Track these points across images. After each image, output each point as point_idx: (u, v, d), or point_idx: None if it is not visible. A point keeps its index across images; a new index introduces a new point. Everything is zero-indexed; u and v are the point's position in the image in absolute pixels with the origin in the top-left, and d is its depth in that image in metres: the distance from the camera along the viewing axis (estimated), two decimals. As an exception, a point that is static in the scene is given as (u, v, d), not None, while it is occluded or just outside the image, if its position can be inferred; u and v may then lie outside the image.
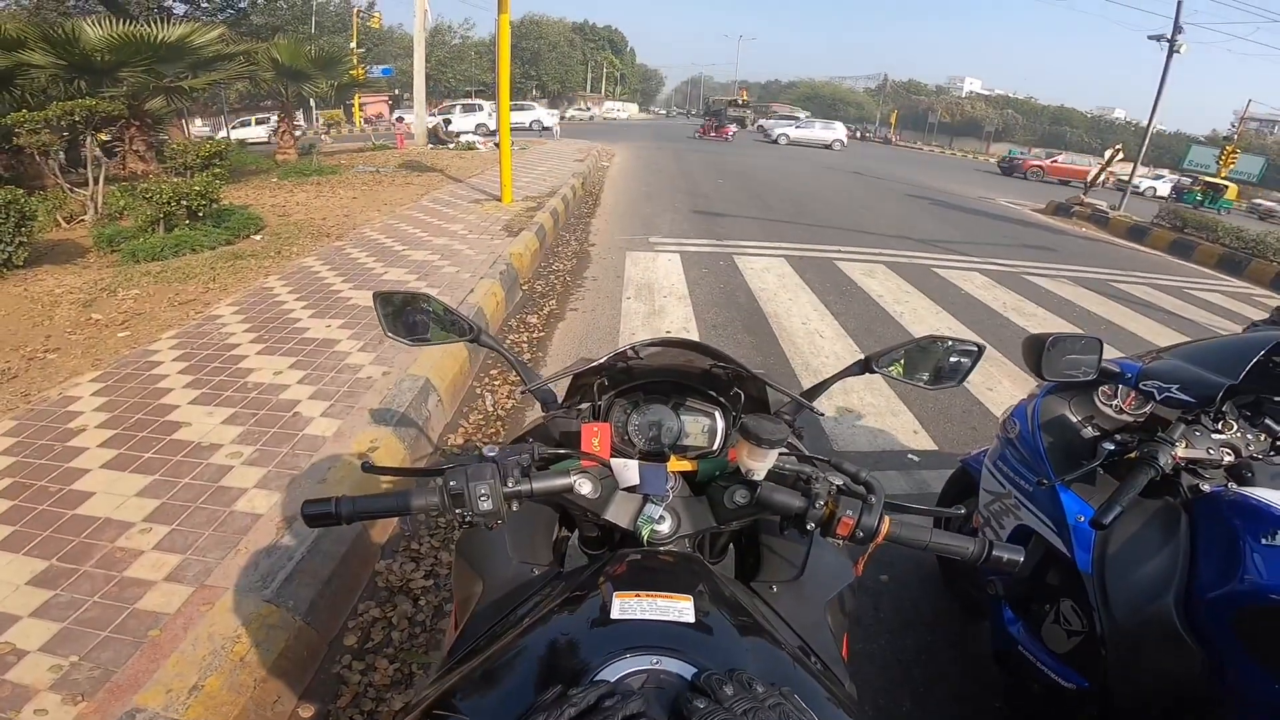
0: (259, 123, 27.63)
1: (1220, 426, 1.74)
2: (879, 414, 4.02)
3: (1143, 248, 12.62)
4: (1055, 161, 32.07)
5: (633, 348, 1.19)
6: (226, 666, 1.84)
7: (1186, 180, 29.06)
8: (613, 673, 0.69)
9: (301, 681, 2.05)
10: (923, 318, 6.07)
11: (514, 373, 4.08)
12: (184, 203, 6.61)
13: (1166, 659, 1.49)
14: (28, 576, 2.12)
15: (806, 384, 4.18)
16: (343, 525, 0.96)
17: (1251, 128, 50.45)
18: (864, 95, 77.53)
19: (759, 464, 0.99)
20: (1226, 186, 26.87)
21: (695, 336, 5.07)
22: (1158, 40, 15.84)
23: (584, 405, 1.33)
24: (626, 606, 0.81)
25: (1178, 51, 15.43)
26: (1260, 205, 30.68)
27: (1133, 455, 1.67)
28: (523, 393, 1.45)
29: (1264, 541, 1.40)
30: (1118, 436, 1.81)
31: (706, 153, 22.86)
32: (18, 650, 1.87)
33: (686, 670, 0.70)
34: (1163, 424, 1.72)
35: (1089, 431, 1.93)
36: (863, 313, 6.10)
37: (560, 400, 1.40)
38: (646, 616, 0.80)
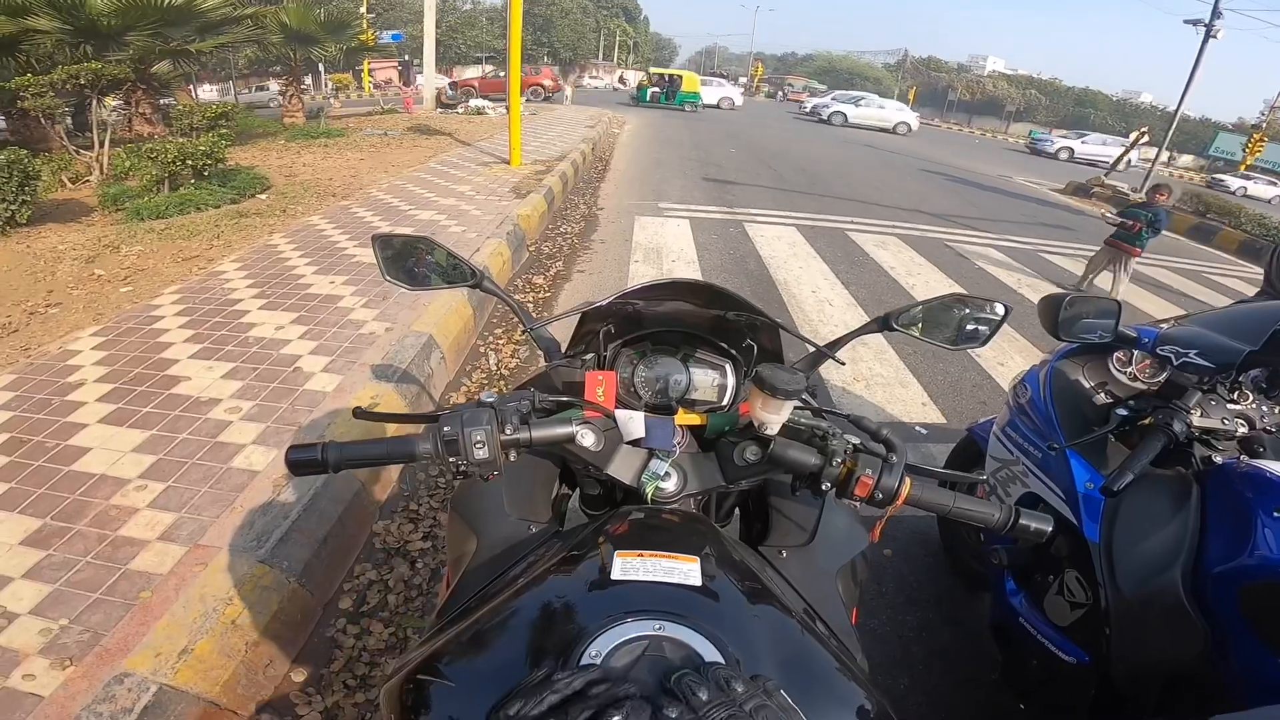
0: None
1: (1236, 397, 1.71)
2: (888, 385, 3.96)
3: (1163, 231, 12.43)
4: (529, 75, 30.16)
5: (641, 287, 1.13)
6: (218, 629, 1.81)
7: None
8: (611, 638, 0.65)
9: (295, 645, 2.03)
10: (935, 290, 5.96)
11: (519, 330, 4.07)
12: (189, 162, 6.58)
13: (1170, 634, 1.46)
14: (21, 536, 2.09)
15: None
16: (330, 473, 0.90)
17: (1281, 117, 49.42)
18: (883, 70, 76.15)
19: (773, 417, 0.93)
20: (681, 78, 26.01)
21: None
22: (1194, 25, 15.38)
23: (589, 355, 1.28)
24: (628, 566, 0.76)
25: (1214, 37, 14.96)
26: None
27: (1147, 421, 1.64)
28: (523, 333, 1.39)
29: (1276, 515, 1.35)
30: (1131, 403, 1.77)
31: (719, 122, 22.57)
32: (8, 613, 1.84)
33: (691, 638, 0.65)
34: (1177, 392, 1.67)
35: (1102, 398, 1.90)
36: (874, 283, 6.03)
37: (564, 350, 1.34)
38: (650, 578, 0.75)
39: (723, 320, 1.21)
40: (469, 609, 0.88)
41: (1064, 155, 29.23)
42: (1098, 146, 29.56)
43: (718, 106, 29.58)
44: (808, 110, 32.71)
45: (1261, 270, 9.62)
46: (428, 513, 2.62)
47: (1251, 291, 7.90)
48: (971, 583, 2.49)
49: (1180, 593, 1.44)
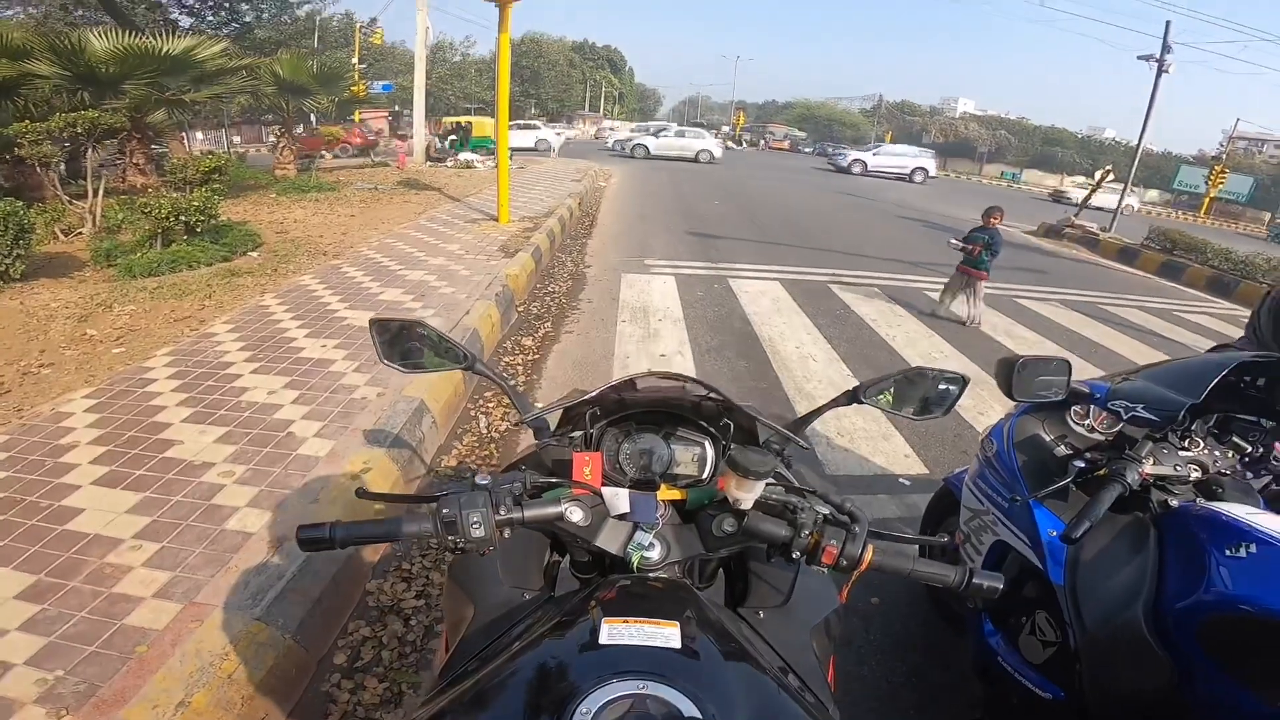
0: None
1: (1187, 444, 1.80)
2: (870, 439, 4.05)
3: (1132, 269, 12.74)
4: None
5: (625, 380, 1.22)
6: (214, 683, 1.84)
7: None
8: (600, 697, 0.71)
9: (290, 699, 2.06)
10: (915, 341, 6.11)
11: (506, 396, 4.11)
12: (182, 218, 6.61)
13: (1137, 669, 1.52)
14: (16, 590, 2.13)
15: (800, 408, 4.19)
16: (337, 549, 0.98)
17: (1240, 147, 50.91)
18: (859, 116, 77.99)
19: (746, 494, 1.01)
20: (471, 125, 25.70)
21: (690, 360, 5.09)
22: (1147, 60, 16.06)
23: (576, 434, 1.36)
24: (615, 632, 0.83)
25: (1166, 71, 15.63)
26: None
27: (1102, 472, 1.72)
28: (517, 424, 1.48)
29: (1228, 553, 1.43)
30: (1088, 454, 1.86)
31: (701, 175, 23.03)
32: (4, 663, 1.87)
33: (673, 696, 0.72)
34: (1131, 442, 1.76)
35: (1061, 450, 1.98)
36: (856, 337, 6.14)
37: (553, 428, 1.42)
38: (634, 642, 0.81)
39: (702, 400, 1.30)
40: (468, 671, 0.95)
41: (857, 169, 30.33)
42: (890, 158, 31.03)
43: (534, 149, 28.86)
44: (609, 145, 33.43)
45: (1230, 305, 9.94)
46: (420, 572, 2.66)
47: (1223, 328, 8.12)
48: (957, 626, 2.53)
49: (1143, 629, 1.51)
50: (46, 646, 1.93)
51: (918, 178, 29.84)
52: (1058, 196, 30.97)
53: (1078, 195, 29.04)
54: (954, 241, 6.97)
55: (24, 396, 3.52)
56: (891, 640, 2.52)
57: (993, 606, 1.99)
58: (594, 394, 1.21)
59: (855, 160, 30.86)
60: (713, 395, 1.26)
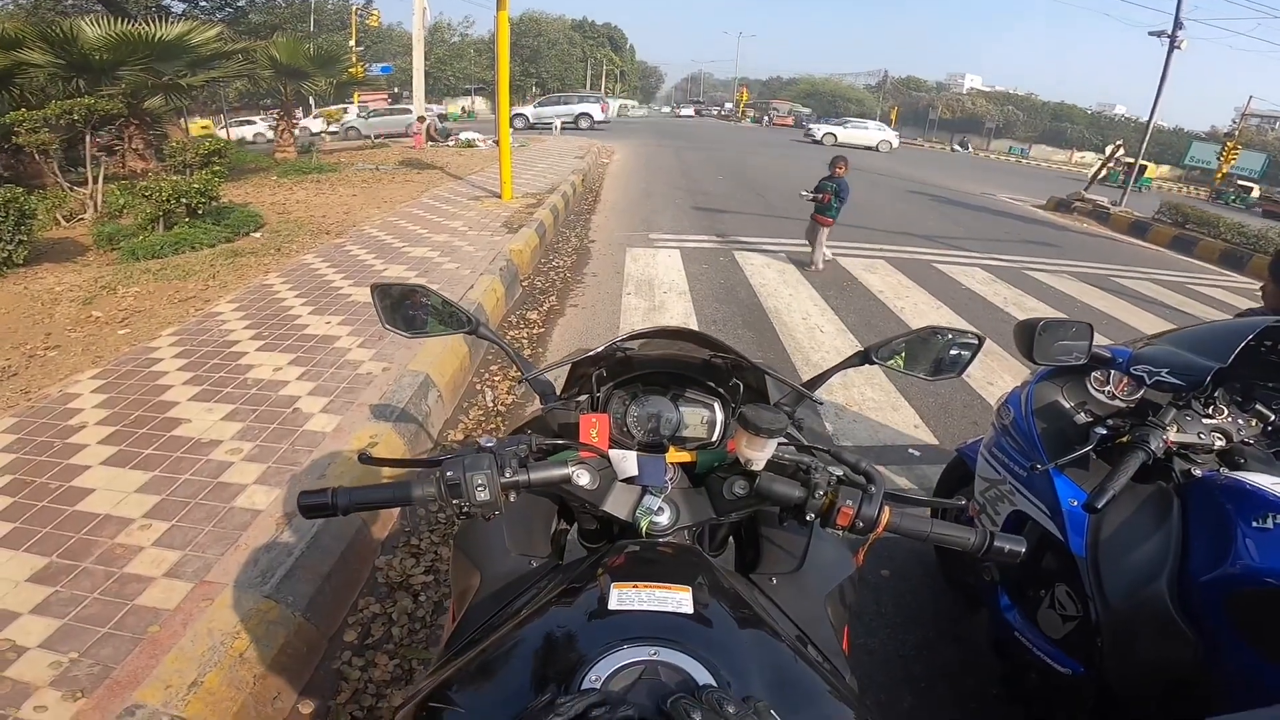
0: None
1: (1211, 411, 1.76)
2: (879, 409, 4.02)
3: (1144, 243, 12.59)
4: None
5: (630, 336, 1.19)
6: (226, 662, 1.84)
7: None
8: (610, 664, 0.69)
9: (301, 677, 2.05)
10: (923, 313, 6.06)
11: (513, 367, 4.10)
12: (183, 200, 6.62)
13: (1160, 643, 1.50)
14: (28, 573, 2.13)
15: (807, 378, 4.17)
16: (339, 516, 0.95)
17: (1252, 124, 50.10)
18: (864, 92, 76.93)
19: (758, 454, 0.98)
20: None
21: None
22: (1158, 36, 15.78)
23: (582, 397, 1.33)
24: (625, 597, 0.81)
25: (1178, 48, 15.36)
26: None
27: (1124, 439, 1.68)
28: (520, 383, 1.44)
29: (1255, 525, 1.40)
30: (1110, 421, 1.82)
31: (706, 150, 22.85)
32: (17, 647, 1.87)
33: (685, 662, 0.69)
34: (1154, 409, 1.72)
35: (1082, 417, 1.94)
36: (863, 308, 6.09)
37: (558, 392, 1.39)
38: (645, 607, 0.79)
39: (710, 361, 1.27)
40: (475, 640, 0.93)
41: (520, 124, 29.91)
42: (551, 108, 31.16)
43: (252, 142, 26.13)
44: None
45: (1244, 278, 9.84)
46: (429, 547, 2.65)
47: (1236, 301, 8.01)
48: (969, 599, 2.51)
49: (1168, 602, 1.49)
50: (60, 629, 1.93)
51: (583, 124, 30.73)
52: (808, 132, 35.88)
53: (823, 130, 32.86)
54: (804, 193, 7.29)
55: (31, 379, 3.52)
56: (902, 613, 2.51)
57: (1010, 580, 1.97)
58: (598, 350, 1.18)
59: (517, 115, 30.95)
60: (720, 354, 1.23)
